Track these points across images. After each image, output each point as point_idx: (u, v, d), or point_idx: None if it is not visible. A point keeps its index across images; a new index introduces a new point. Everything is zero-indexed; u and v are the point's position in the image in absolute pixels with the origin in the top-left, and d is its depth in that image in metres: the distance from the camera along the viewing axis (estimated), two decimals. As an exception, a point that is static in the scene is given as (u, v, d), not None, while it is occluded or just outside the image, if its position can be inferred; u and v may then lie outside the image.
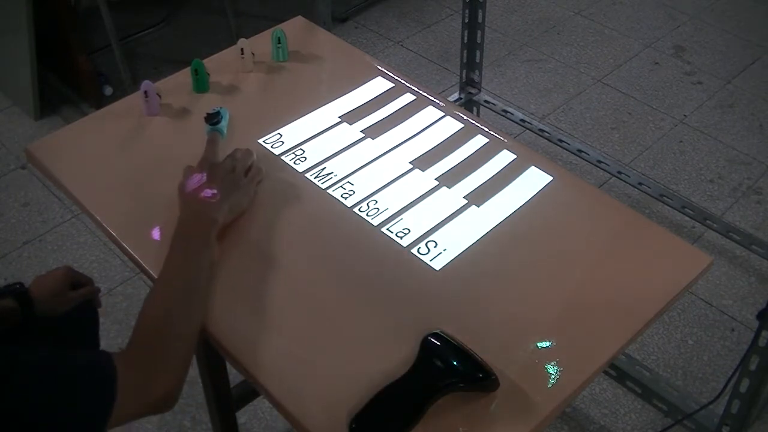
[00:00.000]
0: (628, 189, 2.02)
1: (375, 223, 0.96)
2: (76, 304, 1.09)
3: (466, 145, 1.08)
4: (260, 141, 1.09)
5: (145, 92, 1.11)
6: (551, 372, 0.80)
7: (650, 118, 2.32)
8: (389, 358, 0.81)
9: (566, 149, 2.06)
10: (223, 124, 1.07)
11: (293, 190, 1.02)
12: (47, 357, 0.73)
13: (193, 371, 1.61)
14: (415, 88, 1.18)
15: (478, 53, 2.02)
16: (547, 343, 0.83)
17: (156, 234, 0.95)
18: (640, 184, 1.95)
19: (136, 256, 0.93)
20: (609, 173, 2.01)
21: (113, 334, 1.72)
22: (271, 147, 1.08)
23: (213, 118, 1.06)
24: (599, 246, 0.95)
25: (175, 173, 1.04)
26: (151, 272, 0.91)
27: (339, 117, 1.13)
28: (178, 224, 0.91)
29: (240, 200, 0.96)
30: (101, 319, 1.18)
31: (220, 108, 1.09)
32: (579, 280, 0.90)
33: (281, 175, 1.04)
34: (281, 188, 1.03)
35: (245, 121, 1.13)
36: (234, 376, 1.38)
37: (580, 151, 2.04)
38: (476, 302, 0.88)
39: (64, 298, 1.06)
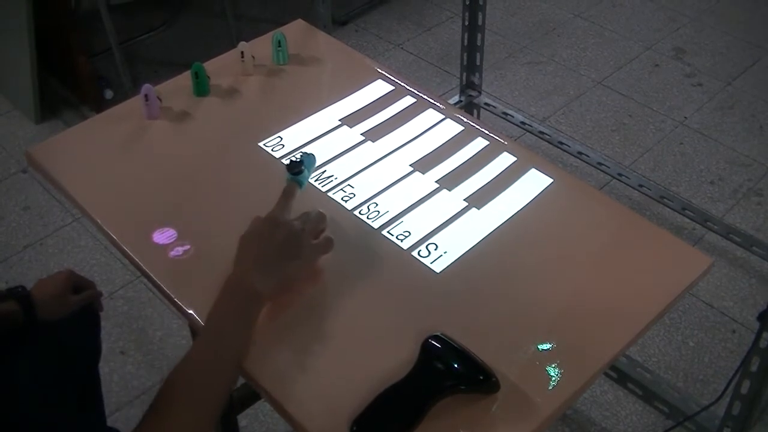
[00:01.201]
0: (629, 191, 2.02)
1: (376, 226, 0.96)
2: (78, 308, 1.08)
3: (466, 147, 1.08)
4: (260, 144, 1.08)
5: (146, 95, 1.11)
6: (552, 374, 0.80)
7: (650, 120, 2.32)
8: (390, 360, 0.80)
9: (567, 151, 2.05)
10: (306, 174, 0.96)
11: None
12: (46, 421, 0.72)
13: (194, 374, 1.62)
14: (416, 91, 1.17)
15: (478, 56, 2.02)
16: (548, 345, 0.82)
17: (156, 237, 0.95)
18: (641, 186, 1.95)
19: (137, 260, 0.93)
20: (609, 175, 2.01)
21: (114, 338, 1.72)
22: (272, 150, 1.07)
23: (295, 168, 0.94)
24: (600, 248, 0.95)
25: (176, 176, 1.04)
26: (151, 275, 0.91)
27: (339, 120, 1.13)
28: (224, 284, 0.83)
29: (296, 273, 0.87)
30: (102, 323, 1.17)
31: (306, 155, 0.98)
32: (580, 282, 0.90)
33: (282, 179, 1.01)
34: (281, 188, 1.00)
35: (245, 124, 1.13)
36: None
37: (580, 153, 2.03)
38: (477, 304, 0.88)
39: (65, 302, 1.06)
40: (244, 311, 0.82)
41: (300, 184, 0.94)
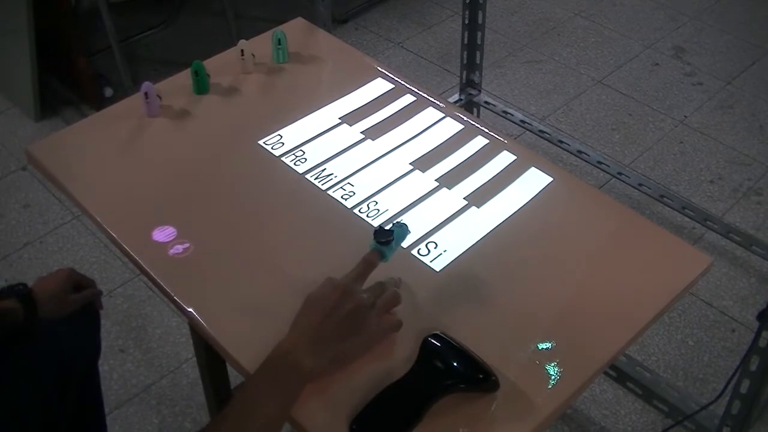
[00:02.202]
0: (629, 190, 2.02)
1: (375, 224, 0.95)
2: (78, 307, 1.08)
3: (466, 146, 1.08)
4: (260, 142, 1.08)
5: (146, 94, 1.11)
6: (551, 373, 0.79)
7: (650, 119, 2.32)
8: (389, 359, 0.80)
9: (566, 150, 2.05)
10: (393, 247, 0.86)
11: (293, 191, 1.01)
12: None
13: (194, 373, 1.62)
14: (415, 90, 1.17)
15: (478, 54, 2.02)
16: (548, 344, 0.82)
17: (156, 235, 0.94)
18: (641, 185, 1.95)
19: (137, 258, 0.92)
20: (609, 174, 2.01)
21: (113, 336, 1.71)
22: (272, 148, 1.07)
23: (384, 236, 0.85)
24: (599, 247, 0.94)
25: (175, 174, 1.04)
26: (151, 273, 0.91)
27: (339, 118, 1.12)
28: (274, 350, 0.77)
29: (353, 353, 0.80)
30: (102, 321, 1.17)
31: (400, 225, 0.87)
32: (579, 281, 0.90)
33: (282, 177, 1.04)
34: (282, 189, 1.02)
35: (245, 122, 1.13)
36: (235, 378, 1.35)
37: (580, 152, 2.03)
38: (477, 303, 0.87)
39: (66, 301, 1.06)
40: (285, 387, 0.75)
41: (383, 255, 0.85)
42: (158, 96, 1.12)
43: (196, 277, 0.90)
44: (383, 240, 0.85)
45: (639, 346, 1.70)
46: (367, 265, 0.84)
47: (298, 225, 0.97)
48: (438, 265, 0.91)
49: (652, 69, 2.50)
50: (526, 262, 0.92)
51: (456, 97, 2.10)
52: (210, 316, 0.86)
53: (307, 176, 1.03)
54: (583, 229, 0.96)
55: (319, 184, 1.02)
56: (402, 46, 2.62)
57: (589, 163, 2.02)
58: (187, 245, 0.93)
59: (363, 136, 1.09)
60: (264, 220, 0.98)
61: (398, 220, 0.96)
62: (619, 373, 1.59)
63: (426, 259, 0.92)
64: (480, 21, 1.94)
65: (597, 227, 0.97)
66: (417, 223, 0.96)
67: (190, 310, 0.87)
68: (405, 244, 0.92)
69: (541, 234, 0.96)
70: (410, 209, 0.98)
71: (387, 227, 0.87)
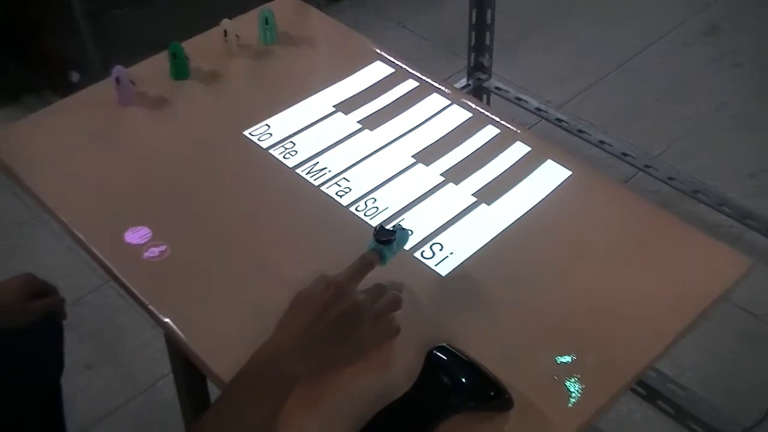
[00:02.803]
0: (657, 185, 2.01)
1: (374, 224, 0.94)
2: (39, 316, 1.08)
3: (475, 136, 1.08)
4: (246, 133, 1.08)
5: (117, 79, 1.11)
6: (572, 390, 0.79)
7: (681, 105, 2.31)
8: (389, 373, 0.80)
9: (587, 141, 2.05)
10: (394, 249, 0.86)
11: (283, 187, 1.02)
12: None
13: (171, 391, 1.62)
14: (418, 74, 1.17)
15: (488, 35, 2.01)
16: (567, 358, 0.82)
17: (129, 237, 0.95)
18: (671, 179, 1.94)
19: (107, 262, 0.92)
20: (635, 167, 2.00)
21: (79, 349, 1.71)
22: (258, 140, 1.07)
23: (384, 235, 0.85)
24: (625, 249, 0.94)
25: (151, 169, 1.04)
26: (123, 279, 0.91)
27: (333, 106, 1.12)
28: (258, 351, 0.77)
29: (345, 358, 0.80)
30: (67, 333, 1.17)
31: (402, 229, 0.88)
32: (602, 286, 0.90)
33: (270, 171, 1.04)
34: (270, 185, 1.02)
35: (229, 111, 1.13)
36: (216, 396, 1.40)
37: (602, 142, 2.02)
38: (487, 312, 0.87)
39: (24, 309, 1.05)
40: (270, 394, 0.75)
41: (383, 257, 0.85)
42: (131, 81, 1.12)
43: (174, 284, 0.91)
44: (384, 239, 0.85)
45: (670, 359, 1.70)
46: (365, 264, 0.83)
47: (287, 225, 0.97)
48: (444, 269, 0.91)
49: (683, 50, 2.50)
50: (542, 266, 0.92)
51: (464, 82, 2.10)
52: (189, 326, 0.86)
53: (298, 171, 1.03)
54: (605, 229, 0.96)
55: (311, 180, 1.02)
56: (403, 26, 2.63)
57: (612, 154, 2.01)
58: (163, 248, 0.93)
59: (360, 126, 1.09)
60: (250, 219, 0.98)
61: (399, 222, 0.96)
62: (648, 390, 1.59)
63: (430, 263, 0.92)
64: (490, -3, 1.96)
65: (622, 227, 0.97)
66: (420, 223, 0.96)
67: (167, 320, 0.87)
68: (408, 246, 0.92)
69: (559, 234, 0.96)
70: (413, 207, 0.98)
71: (388, 227, 0.87)
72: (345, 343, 0.79)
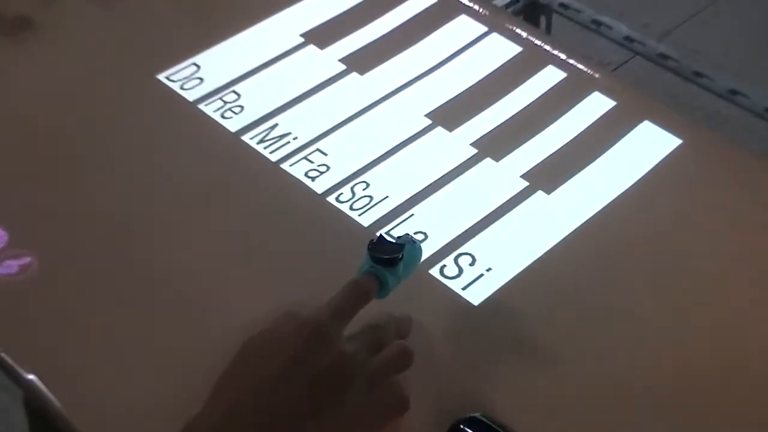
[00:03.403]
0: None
1: (365, 223, 0.91)
2: None
3: (526, 84, 1.04)
4: (161, 77, 1.04)
5: None
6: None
7: None
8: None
9: (707, 89, 2.00)
10: (400, 274, 0.81)
11: (220, 164, 0.98)
12: None
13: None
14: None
15: None
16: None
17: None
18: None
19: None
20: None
21: None
22: (181, 88, 1.04)
23: (385, 251, 0.81)
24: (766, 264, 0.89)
25: (10, 138, 1.02)
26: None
27: (301, 35, 1.10)
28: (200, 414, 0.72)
29: (339, 428, 0.75)
30: None
31: (413, 242, 0.83)
32: (725, 323, 0.85)
33: (199, 139, 1.00)
34: (198, 161, 0.99)
35: (134, 41, 1.10)
36: None
37: (733, 92, 1.97)
38: (541, 364, 0.83)
39: None
40: None
41: (383, 284, 0.80)
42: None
43: (43, 318, 0.86)
44: (386, 257, 0.79)
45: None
46: (356, 296, 0.77)
47: (226, 226, 0.93)
48: (476, 296, 0.86)
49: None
50: (633, 291, 0.86)
51: (510, -4, 2.07)
52: (66, 389, 0.81)
53: (245, 138, 1.00)
54: (737, 232, 0.91)
55: (265, 153, 0.98)
56: None
57: (749, 111, 1.98)
58: (26, 260, 0.90)
59: (344, 67, 1.06)
60: (165, 217, 0.94)
61: (407, 221, 0.93)
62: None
63: (455, 285, 0.87)
64: None
65: (764, 226, 0.93)
66: (440, 222, 0.91)
67: (31, 377, 0.82)
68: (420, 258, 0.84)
69: (661, 239, 0.90)
70: (427, 197, 0.94)
71: (391, 238, 0.80)
72: (323, 424, 0.73)
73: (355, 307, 0.77)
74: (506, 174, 0.97)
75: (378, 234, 0.81)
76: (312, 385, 0.73)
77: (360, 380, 0.75)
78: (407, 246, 0.80)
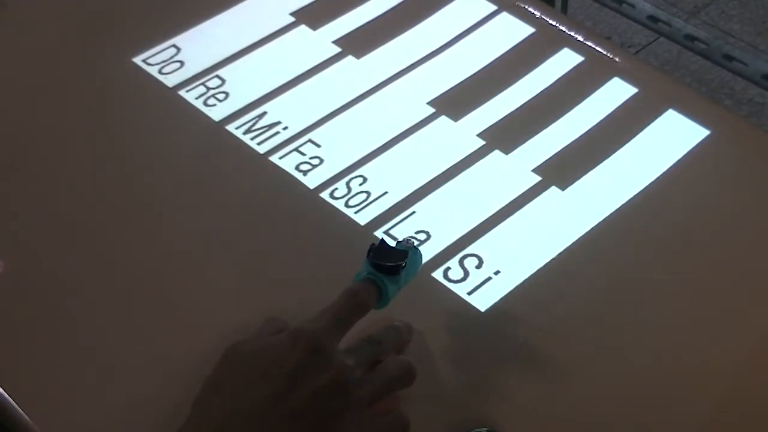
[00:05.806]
0: None
1: (362, 222, 0.91)
2: None
3: (540, 68, 1.03)
4: (137, 60, 1.04)
5: None
6: None
7: None
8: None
9: (739, 75, 1.99)
10: (401, 282, 0.82)
11: (203, 156, 0.98)
12: None
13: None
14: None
15: None
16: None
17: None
18: None
19: None
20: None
21: None
22: (159, 72, 1.04)
23: (386, 258, 0.81)
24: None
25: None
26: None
27: (291, 14, 1.10)
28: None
29: None
30: None
31: (414, 248, 0.83)
32: (763, 331, 0.83)
33: (180, 128, 1.00)
34: (179, 154, 0.98)
35: (110, 22, 1.09)
36: None
37: (767, 77, 1.99)
38: (553, 375, 0.81)
39: None
40: None
41: (383, 293, 0.79)
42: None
43: (11, 328, 0.86)
44: (387, 264, 0.78)
45: None
46: (354, 306, 0.76)
47: (208, 224, 0.92)
48: (483, 301, 0.85)
49: None
50: (656, 297, 0.86)
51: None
52: (38, 408, 0.81)
53: (229, 127, 1.00)
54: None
55: (252, 144, 0.98)
56: None
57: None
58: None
59: (338, 50, 1.07)
60: (141, 212, 0.93)
61: (407, 222, 0.93)
62: None
63: (460, 289, 0.86)
64: None
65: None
66: (443, 221, 0.90)
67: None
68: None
69: (690, 240, 0.89)
70: (430, 193, 0.93)
71: (387, 247, 0.79)
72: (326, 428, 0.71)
73: (353, 318, 0.76)
74: (516, 168, 0.97)
75: (380, 240, 0.81)
76: (306, 406, 0.73)
77: (358, 399, 0.74)
78: (411, 251, 0.80)
